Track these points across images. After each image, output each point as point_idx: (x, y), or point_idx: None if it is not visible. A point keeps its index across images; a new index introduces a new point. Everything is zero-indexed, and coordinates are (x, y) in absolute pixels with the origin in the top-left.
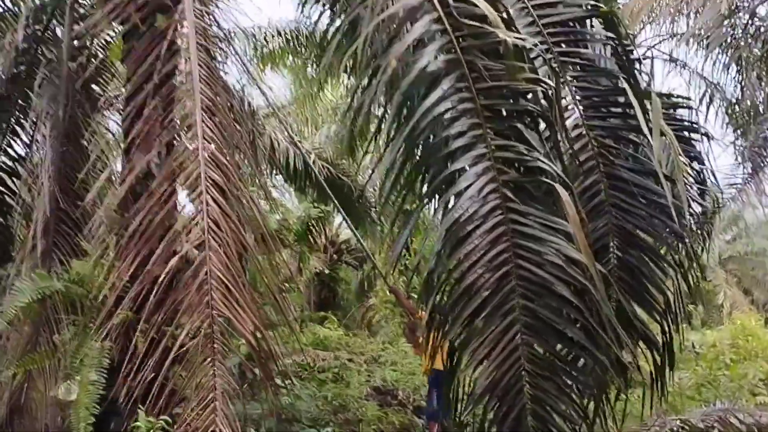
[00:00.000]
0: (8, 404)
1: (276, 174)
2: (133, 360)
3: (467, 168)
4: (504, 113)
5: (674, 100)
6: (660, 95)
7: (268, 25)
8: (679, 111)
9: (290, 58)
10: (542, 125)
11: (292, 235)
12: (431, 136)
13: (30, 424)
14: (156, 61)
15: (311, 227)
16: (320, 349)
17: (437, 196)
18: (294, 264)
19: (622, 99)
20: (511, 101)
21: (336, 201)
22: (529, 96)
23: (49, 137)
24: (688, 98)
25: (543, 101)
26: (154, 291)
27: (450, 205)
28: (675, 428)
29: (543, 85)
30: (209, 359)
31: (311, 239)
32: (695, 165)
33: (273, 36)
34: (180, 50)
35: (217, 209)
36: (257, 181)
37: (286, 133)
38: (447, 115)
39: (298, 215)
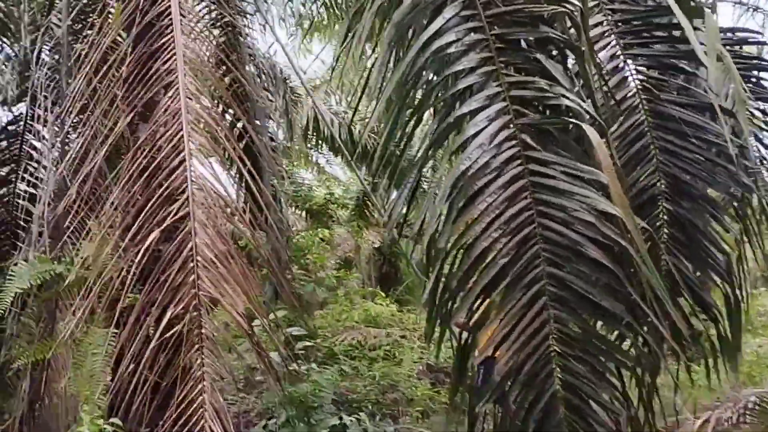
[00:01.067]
0: (27, 396)
1: (322, 147)
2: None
3: (477, 111)
4: (521, 43)
5: (741, 35)
6: (724, 30)
7: None
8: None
9: (334, 26)
10: (570, 60)
11: (344, 210)
12: (432, 76)
13: (49, 417)
14: (136, 9)
15: (366, 201)
16: (372, 326)
17: (441, 147)
18: (351, 240)
19: (666, 20)
20: (529, 28)
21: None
22: (552, 21)
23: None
24: (758, 32)
25: (570, 28)
26: (131, 270)
27: (457, 157)
28: (751, 403)
29: (568, 5)
30: (196, 346)
31: (368, 213)
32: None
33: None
34: None
35: (203, 175)
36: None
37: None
38: (451, 50)
39: (351, 189)
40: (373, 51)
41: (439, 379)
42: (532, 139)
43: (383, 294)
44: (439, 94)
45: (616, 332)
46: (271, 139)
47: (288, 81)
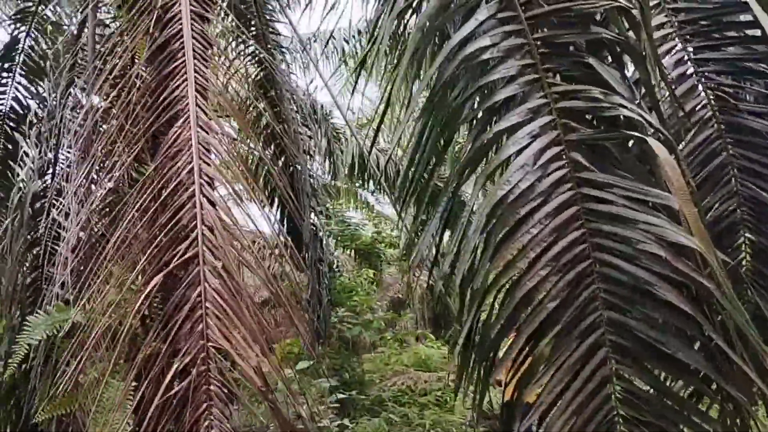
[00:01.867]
0: None
1: (368, 185)
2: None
3: (518, 127)
4: (569, 48)
5: None
6: None
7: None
8: None
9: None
10: (629, 66)
11: (394, 249)
12: (465, 87)
13: None
14: (147, 32)
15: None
16: (423, 370)
17: (476, 169)
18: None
19: (740, 17)
20: (578, 29)
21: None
22: (605, 21)
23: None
24: None
25: (628, 30)
26: (128, 319)
27: (495, 180)
28: None
29: (623, 1)
30: (204, 406)
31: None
32: None
33: (356, 38)
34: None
35: (212, 212)
36: (343, 190)
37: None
38: (485, 56)
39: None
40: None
41: (494, 427)
42: (585, 158)
43: (433, 336)
44: (473, 108)
45: (692, 388)
46: (311, 177)
47: (330, 118)
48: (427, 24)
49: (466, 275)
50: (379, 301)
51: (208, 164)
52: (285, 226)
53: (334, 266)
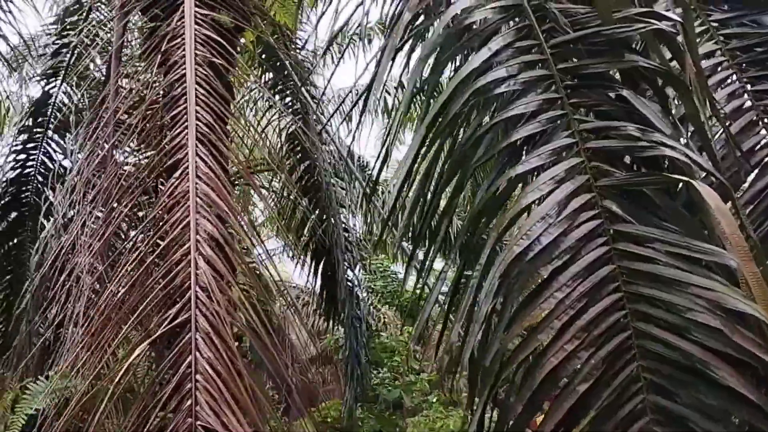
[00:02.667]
0: None
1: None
2: None
3: (539, 170)
4: (600, 79)
5: None
6: None
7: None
8: None
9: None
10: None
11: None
12: (477, 126)
13: None
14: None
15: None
16: None
17: (491, 221)
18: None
19: None
20: (610, 57)
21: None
22: (642, 48)
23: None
24: None
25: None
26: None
27: (512, 235)
28: None
29: (663, 23)
30: None
31: None
32: None
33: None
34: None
35: (209, 271)
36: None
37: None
38: (501, 89)
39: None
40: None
41: None
42: (621, 207)
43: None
44: (488, 149)
45: None
46: (346, 230)
47: (368, 170)
48: (432, 56)
49: (478, 348)
50: (427, 360)
51: (207, 219)
52: (320, 281)
53: (378, 324)
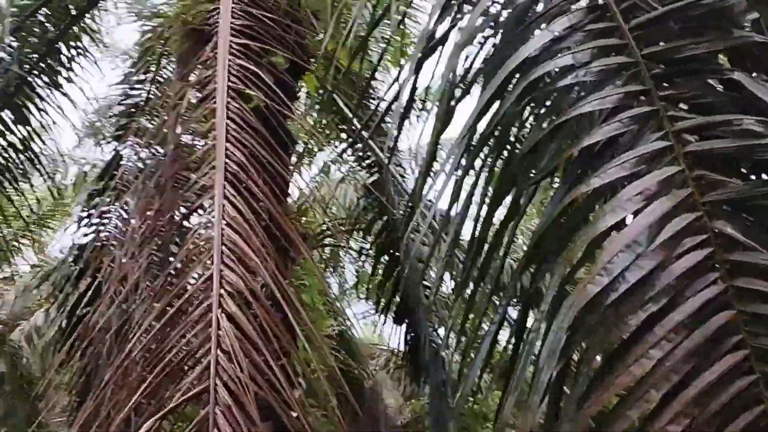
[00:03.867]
0: None
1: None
2: None
3: (620, 184)
4: (699, 63)
5: None
6: None
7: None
8: None
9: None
10: None
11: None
12: (536, 129)
13: None
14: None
15: None
16: None
17: (561, 252)
18: None
19: None
20: (711, 36)
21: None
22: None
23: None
24: None
25: None
26: None
27: (587, 269)
28: None
29: None
30: None
31: None
32: None
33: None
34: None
35: (232, 333)
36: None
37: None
38: (566, 81)
39: None
40: None
41: None
42: (738, 229)
43: None
44: (552, 158)
45: None
46: (427, 288)
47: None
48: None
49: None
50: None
51: (234, 271)
52: (404, 344)
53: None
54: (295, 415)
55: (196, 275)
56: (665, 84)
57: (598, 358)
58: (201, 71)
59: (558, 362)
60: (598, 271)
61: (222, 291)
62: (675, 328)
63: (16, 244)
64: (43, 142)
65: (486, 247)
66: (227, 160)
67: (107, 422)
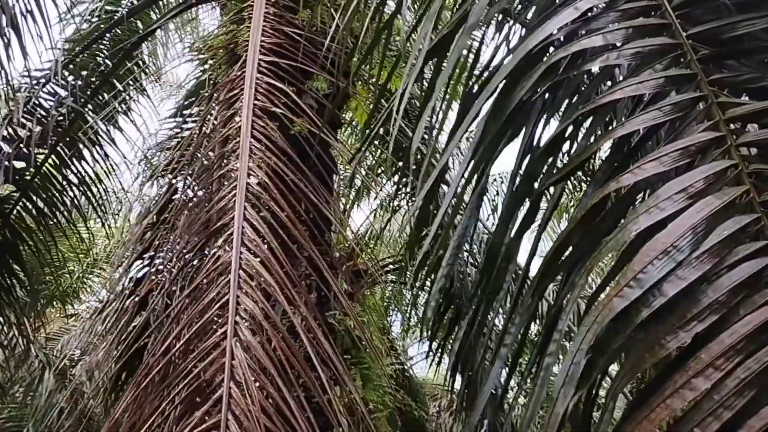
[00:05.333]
0: None
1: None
2: None
3: (659, 180)
4: (754, 42)
5: None
6: None
7: None
8: None
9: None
10: None
11: None
12: (563, 116)
13: None
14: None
15: None
16: None
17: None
18: None
19: None
20: None
21: None
22: None
23: None
24: None
25: None
26: None
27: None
28: None
29: None
30: None
31: None
32: None
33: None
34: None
35: (246, 363)
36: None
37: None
38: (594, 65)
39: None
40: None
41: None
42: None
43: None
44: (576, 155)
45: None
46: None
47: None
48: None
49: None
50: None
51: (252, 297)
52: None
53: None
54: None
55: (212, 299)
56: (713, 67)
57: (628, 388)
58: (227, 92)
59: (576, 391)
60: (628, 282)
61: (237, 317)
62: (726, 353)
63: (86, 281)
64: (104, 179)
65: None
66: (249, 181)
67: None
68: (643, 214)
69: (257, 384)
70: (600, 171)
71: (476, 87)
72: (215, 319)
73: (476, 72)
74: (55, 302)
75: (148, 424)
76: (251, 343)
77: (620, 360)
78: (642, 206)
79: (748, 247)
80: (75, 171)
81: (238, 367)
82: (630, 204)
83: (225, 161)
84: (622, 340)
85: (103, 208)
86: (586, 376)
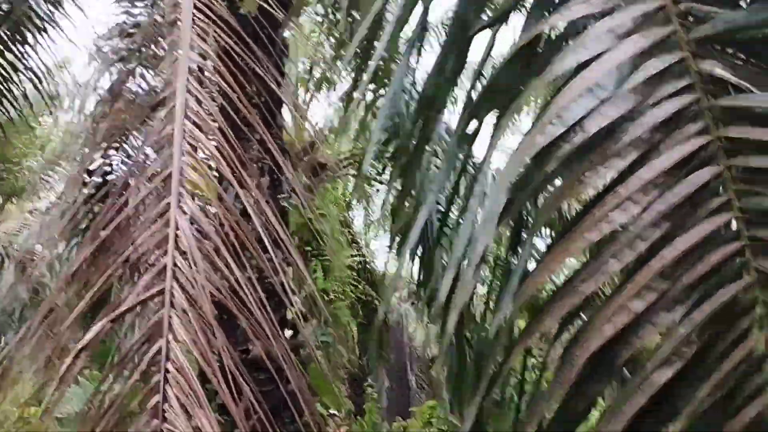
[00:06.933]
0: None
1: None
2: None
3: (592, 47)
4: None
5: None
6: None
7: None
8: None
9: None
10: None
11: None
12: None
13: None
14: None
15: None
16: None
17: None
18: None
19: None
20: None
21: None
22: None
23: None
24: None
25: None
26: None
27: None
28: None
29: None
30: None
31: None
32: None
33: None
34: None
35: (189, 231)
36: None
37: None
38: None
39: None
40: None
41: None
42: (730, 70)
43: None
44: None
45: None
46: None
47: None
48: None
49: None
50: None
51: (195, 166)
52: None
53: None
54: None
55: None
56: (702, 51)
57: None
58: None
59: (496, 228)
60: (550, 118)
61: (181, 189)
62: (644, 187)
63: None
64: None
65: None
66: (190, 54)
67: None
68: (569, 54)
69: (203, 255)
70: (531, 15)
71: None
72: (160, 191)
73: None
74: (13, 199)
75: (95, 289)
76: (195, 213)
77: (540, 198)
78: (569, 47)
79: (673, 86)
80: (18, 55)
81: (182, 236)
82: (560, 48)
83: (170, 39)
84: (542, 177)
85: (55, 102)
86: (506, 212)
